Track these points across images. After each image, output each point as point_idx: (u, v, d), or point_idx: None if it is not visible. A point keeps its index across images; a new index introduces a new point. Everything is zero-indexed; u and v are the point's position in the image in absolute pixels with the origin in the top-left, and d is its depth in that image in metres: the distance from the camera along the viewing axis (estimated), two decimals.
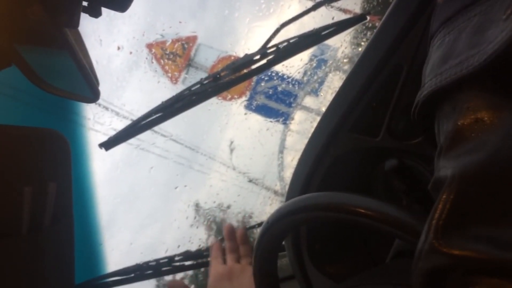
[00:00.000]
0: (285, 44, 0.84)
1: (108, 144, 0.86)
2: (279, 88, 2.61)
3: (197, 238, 2.40)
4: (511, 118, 0.17)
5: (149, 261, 0.98)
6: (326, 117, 0.60)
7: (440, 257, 0.17)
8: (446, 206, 0.18)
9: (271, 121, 2.62)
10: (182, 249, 1.05)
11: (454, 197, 0.18)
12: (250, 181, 2.65)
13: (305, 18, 0.95)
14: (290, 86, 2.63)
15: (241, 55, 0.92)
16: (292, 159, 2.66)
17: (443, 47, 0.22)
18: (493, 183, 0.17)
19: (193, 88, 0.88)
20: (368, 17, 0.91)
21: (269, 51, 0.83)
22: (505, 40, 0.18)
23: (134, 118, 0.90)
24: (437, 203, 0.18)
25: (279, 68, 2.31)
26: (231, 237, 0.71)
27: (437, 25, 0.23)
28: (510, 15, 0.18)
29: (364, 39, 2.08)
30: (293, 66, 2.34)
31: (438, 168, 0.20)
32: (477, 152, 0.18)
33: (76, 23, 0.32)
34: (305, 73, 2.53)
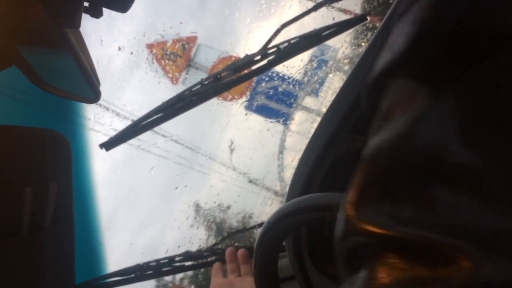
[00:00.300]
0: (285, 44, 0.84)
1: (108, 145, 0.86)
2: (280, 89, 2.61)
3: (198, 238, 2.41)
4: (425, 102, 0.19)
5: (150, 262, 0.99)
6: (327, 118, 0.60)
7: (354, 235, 0.18)
8: (356, 184, 0.19)
9: (271, 122, 2.62)
10: (182, 250, 1.05)
11: (362, 175, 0.19)
12: (250, 181, 2.65)
13: (306, 18, 0.95)
14: (291, 86, 2.63)
15: (242, 55, 0.92)
16: (292, 160, 2.67)
17: (395, 34, 0.23)
18: (397, 163, 0.18)
19: (193, 89, 0.88)
20: (369, 18, 0.91)
21: (269, 51, 0.83)
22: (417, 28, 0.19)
23: (135, 118, 0.90)
24: (352, 182, 0.20)
25: (279, 68, 2.31)
26: (232, 259, 0.72)
27: (394, 20, 0.25)
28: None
29: (364, 40, 2.09)
30: (294, 67, 2.34)
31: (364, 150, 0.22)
32: (387, 132, 0.19)
33: (78, 23, 0.32)
34: (305, 73, 2.53)
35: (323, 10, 0.99)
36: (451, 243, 0.15)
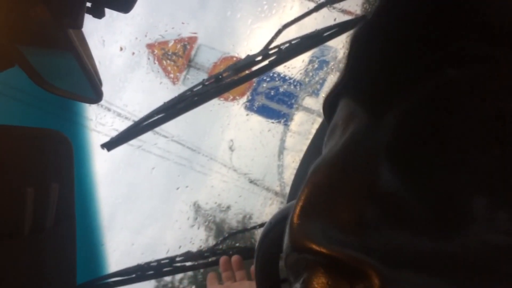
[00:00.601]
0: (286, 45, 0.84)
1: (110, 145, 0.86)
2: (281, 89, 2.61)
3: (198, 238, 2.41)
4: (360, 123, 0.20)
5: (150, 262, 0.99)
6: None
7: (294, 248, 0.20)
8: (299, 203, 0.21)
9: (272, 122, 2.62)
10: (183, 250, 1.05)
11: (304, 194, 0.21)
12: (251, 182, 2.65)
13: (307, 19, 0.95)
14: (292, 87, 2.63)
15: (243, 56, 0.92)
16: (293, 160, 2.66)
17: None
18: (330, 183, 0.20)
19: (195, 89, 0.88)
20: None
21: (270, 52, 0.84)
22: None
23: (136, 119, 0.90)
24: (296, 200, 0.21)
25: (280, 69, 2.31)
26: (226, 267, 0.74)
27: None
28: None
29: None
30: (295, 67, 2.34)
31: None
32: (326, 153, 0.21)
33: (80, 24, 0.32)
34: (306, 74, 2.53)
35: (324, 11, 0.99)
36: (366, 261, 0.17)
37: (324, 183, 0.20)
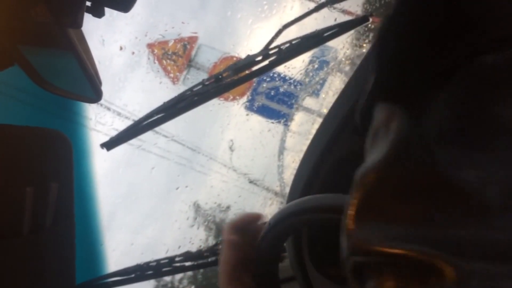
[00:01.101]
0: (287, 45, 0.84)
1: (109, 145, 0.86)
2: (281, 89, 2.61)
3: (198, 238, 2.41)
4: (403, 123, 0.20)
5: (150, 262, 0.98)
6: (329, 119, 0.60)
7: (353, 252, 0.19)
8: (353, 206, 0.20)
9: (272, 122, 2.62)
10: (182, 250, 1.04)
11: (356, 197, 0.20)
12: (250, 182, 2.65)
13: (307, 19, 0.95)
14: (292, 87, 2.63)
15: (243, 56, 0.92)
16: (293, 160, 2.67)
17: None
18: (384, 185, 0.19)
19: (195, 89, 0.88)
20: (371, 19, 0.90)
21: (271, 52, 0.83)
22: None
23: (136, 118, 0.90)
24: (349, 204, 0.21)
25: (280, 69, 2.32)
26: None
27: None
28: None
29: (366, 41, 2.08)
30: (295, 67, 2.34)
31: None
32: (371, 154, 0.21)
33: (80, 23, 0.32)
34: (306, 74, 2.53)
35: (324, 11, 0.99)
36: (438, 255, 0.16)
37: (378, 183, 0.20)
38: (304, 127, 2.74)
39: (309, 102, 2.73)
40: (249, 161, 2.67)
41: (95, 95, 0.45)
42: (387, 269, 0.17)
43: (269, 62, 0.82)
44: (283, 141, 2.74)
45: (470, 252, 0.16)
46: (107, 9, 0.34)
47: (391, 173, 0.19)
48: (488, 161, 0.17)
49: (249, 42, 2.36)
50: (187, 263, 1.00)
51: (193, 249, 1.05)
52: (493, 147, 0.17)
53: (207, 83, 0.87)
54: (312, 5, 0.97)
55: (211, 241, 2.50)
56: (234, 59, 2.37)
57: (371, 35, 1.96)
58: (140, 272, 0.95)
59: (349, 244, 0.19)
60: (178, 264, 0.98)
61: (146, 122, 0.85)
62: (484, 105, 0.18)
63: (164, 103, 0.89)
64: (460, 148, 0.18)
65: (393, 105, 0.22)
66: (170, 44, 2.59)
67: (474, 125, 0.18)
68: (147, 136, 2.10)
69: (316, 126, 0.61)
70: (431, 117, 0.20)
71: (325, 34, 0.83)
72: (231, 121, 2.55)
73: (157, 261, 0.98)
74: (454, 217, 0.17)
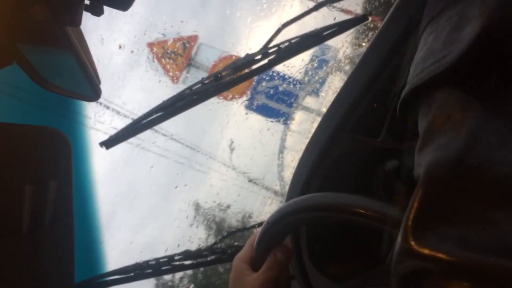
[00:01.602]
0: (286, 44, 0.84)
1: (108, 143, 0.86)
2: (280, 88, 2.61)
3: (197, 237, 2.41)
4: (479, 117, 0.18)
5: (149, 260, 0.99)
6: (327, 118, 0.60)
7: (411, 258, 0.17)
8: (416, 206, 0.18)
9: (271, 121, 2.62)
10: (182, 249, 1.05)
11: (421, 196, 0.18)
12: (250, 181, 2.65)
13: (307, 18, 0.95)
14: (291, 86, 2.63)
15: (242, 55, 0.92)
16: (292, 159, 2.66)
17: (426, 46, 0.22)
18: (459, 183, 0.17)
19: (194, 88, 0.88)
20: (370, 18, 0.90)
21: (270, 51, 0.83)
22: (473, 37, 0.18)
23: (135, 117, 0.90)
24: (410, 203, 0.18)
25: (280, 68, 2.31)
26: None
27: (424, 24, 0.24)
28: (484, 12, 0.18)
29: (365, 40, 2.08)
30: (294, 66, 2.34)
31: (416, 166, 0.20)
32: (444, 149, 0.18)
33: (78, 21, 0.32)
34: (306, 73, 2.53)
35: (324, 10, 0.99)
36: None
37: (449, 186, 0.17)
38: (303, 126, 2.74)
39: (308, 101, 2.72)
40: (248, 160, 2.67)
41: (94, 94, 0.45)
42: (458, 279, 0.15)
43: (269, 61, 0.82)
44: (282, 140, 2.74)
45: None
46: (106, 8, 0.34)
47: (464, 172, 0.17)
48: None
49: (249, 41, 2.36)
50: (187, 262, 1.00)
51: (193, 248, 1.06)
52: None
53: (206, 82, 0.87)
54: (311, 4, 0.97)
55: (211, 240, 2.50)
56: (233, 58, 2.37)
57: (370, 34, 1.96)
58: (139, 270, 0.96)
59: (410, 246, 0.16)
60: (177, 263, 0.98)
61: (145, 121, 0.85)
62: None
63: (163, 102, 0.89)
64: None
65: (469, 94, 0.18)
66: (170, 43, 2.59)
67: None
68: (146, 134, 2.10)
69: (316, 125, 0.61)
70: (507, 112, 0.17)
71: (325, 33, 0.83)
72: (231, 120, 2.54)
73: (157, 259, 0.99)
74: None
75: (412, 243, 0.17)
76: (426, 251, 0.16)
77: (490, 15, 0.18)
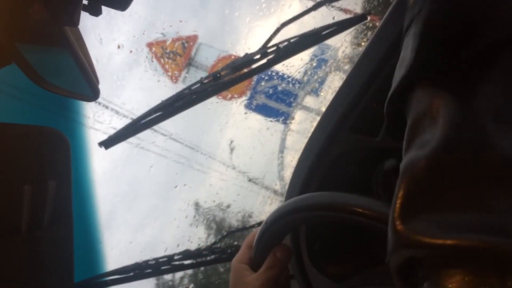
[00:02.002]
0: (285, 43, 0.84)
1: (108, 143, 0.86)
2: (279, 88, 2.61)
3: (197, 237, 2.41)
4: (451, 108, 0.18)
5: (149, 260, 0.99)
6: (326, 117, 0.60)
7: (400, 248, 0.17)
8: (398, 198, 0.18)
9: (271, 121, 2.62)
10: (181, 248, 1.05)
11: (404, 188, 0.18)
12: (250, 180, 2.65)
13: (306, 17, 0.95)
14: (290, 85, 2.63)
15: (242, 54, 0.92)
16: (292, 159, 2.66)
17: (403, 49, 0.23)
18: (438, 173, 0.17)
19: (193, 87, 0.88)
20: (369, 17, 0.91)
21: (269, 50, 0.83)
22: (418, 39, 0.19)
23: (134, 117, 0.90)
24: (393, 199, 0.19)
25: (279, 67, 2.31)
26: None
27: (405, 28, 0.25)
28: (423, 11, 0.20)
29: (364, 39, 2.08)
30: (294, 66, 2.34)
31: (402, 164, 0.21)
32: (424, 145, 0.19)
33: (76, 21, 0.32)
34: (305, 72, 2.53)
35: (323, 9, 0.99)
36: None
37: (429, 171, 0.18)
38: (303, 125, 2.74)
39: (308, 100, 2.73)
40: (248, 159, 2.67)
41: (92, 94, 0.45)
42: (452, 262, 0.15)
43: (268, 60, 0.82)
44: (282, 139, 2.74)
45: None
46: (104, 8, 0.34)
47: (444, 159, 0.17)
48: None
49: (248, 41, 2.35)
50: (186, 262, 1.00)
51: (192, 247, 1.06)
52: None
53: (205, 81, 0.87)
54: (310, 4, 0.97)
55: (210, 240, 2.50)
56: (233, 57, 2.37)
57: (369, 33, 1.96)
58: (139, 270, 0.96)
59: (398, 236, 0.17)
60: (177, 263, 0.98)
61: (144, 121, 0.85)
62: None
63: (163, 102, 0.89)
64: None
65: (437, 89, 0.19)
66: (169, 42, 2.59)
67: None
68: (146, 134, 2.10)
69: (315, 124, 0.61)
70: (484, 97, 0.17)
71: (324, 33, 0.83)
72: (230, 120, 2.54)
73: (156, 259, 0.99)
74: None
75: (399, 232, 0.17)
76: (415, 238, 0.16)
77: (429, 13, 0.19)
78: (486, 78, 0.18)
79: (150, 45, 2.45)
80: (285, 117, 2.72)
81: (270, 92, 2.60)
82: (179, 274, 2.45)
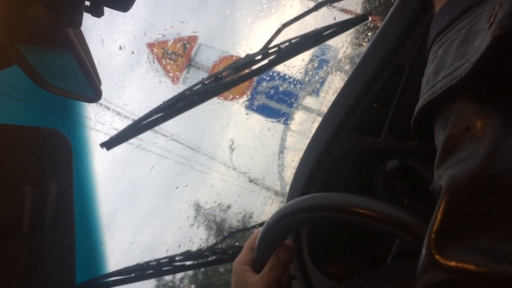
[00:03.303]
0: (286, 44, 0.84)
1: (109, 144, 0.86)
2: (280, 88, 2.61)
3: (198, 238, 2.41)
4: (499, 126, 0.17)
5: (150, 261, 0.99)
6: (328, 118, 0.60)
7: (437, 271, 0.16)
8: (439, 218, 0.17)
9: (272, 121, 2.62)
10: (182, 249, 1.05)
11: (445, 208, 0.17)
12: (250, 181, 2.65)
13: (307, 18, 0.95)
14: (291, 86, 2.63)
15: (243, 55, 0.92)
16: (293, 160, 2.66)
17: (436, 60, 0.22)
18: (483, 194, 0.16)
19: (194, 88, 0.88)
20: (370, 18, 0.91)
21: (270, 51, 0.83)
22: (485, 48, 0.18)
23: (135, 118, 0.91)
24: (433, 216, 0.18)
25: (280, 68, 2.31)
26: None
27: (432, 38, 0.24)
28: (493, 23, 0.18)
29: (365, 40, 2.08)
30: (295, 66, 2.34)
31: (435, 179, 0.20)
32: (466, 162, 0.18)
33: (79, 23, 0.32)
34: (306, 73, 2.53)
35: (324, 9, 0.99)
36: None
37: (471, 193, 0.16)
38: (304, 126, 2.74)
39: (309, 101, 2.73)
40: (249, 160, 2.67)
41: (94, 95, 0.45)
42: None
43: (269, 61, 0.82)
44: (283, 140, 2.74)
45: None
46: (106, 9, 0.34)
47: (488, 182, 0.16)
48: None
49: (249, 41, 2.36)
50: (187, 263, 1.00)
51: (193, 248, 1.06)
52: None
53: (206, 82, 0.87)
54: (311, 4, 0.97)
55: (212, 240, 2.50)
56: (234, 58, 2.37)
57: (370, 34, 1.96)
58: (140, 271, 0.96)
59: (431, 259, 0.16)
60: (178, 264, 0.98)
61: (145, 122, 0.86)
62: None
63: (164, 103, 0.89)
64: None
65: (483, 106, 0.18)
66: (170, 43, 2.59)
67: None
68: (147, 135, 2.10)
69: (316, 125, 0.61)
70: None
71: (325, 33, 0.83)
72: (231, 120, 2.55)
73: (157, 260, 0.99)
74: None
75: (436, 255, 0.16)
76: (452, 263, 0.16)
77: (500, 25, 0.18)
78: None
79: (151, 46, 2.45)
80: (286, 118, 2.72)
81: (271, 93, 2.60)
82: (179, 275, 2.45)
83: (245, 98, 2.56)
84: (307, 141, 0.63)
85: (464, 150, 0.18)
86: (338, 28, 0.83)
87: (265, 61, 0.83)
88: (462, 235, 0.16)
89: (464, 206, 0.17)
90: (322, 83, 2.62)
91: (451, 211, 0.17)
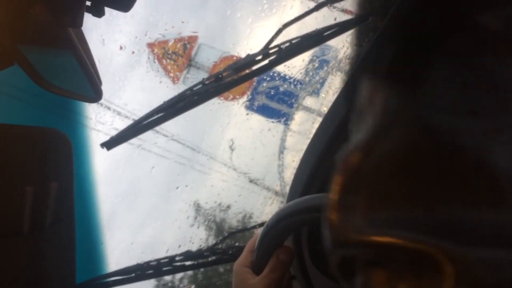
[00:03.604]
0: (287, 44, 0.84)
1: (109, 144, 0.86)
2: (281, 89, 2.61)
3: (198, 238, 2.41)
4: (382, 97, 0.18)
5: (150, 261, 0.99)
6: (328, 118, 0.60)
7: (337, 247, 0.17)
8: (333, 193, 0.18)
9: (272, 122, 2.62)
10: (183, 249, 1.05)
11: (338, 180, 0.18)
12: (251, 181, 2.65)
13: (307, 18, 0.95)
14: (292, 86, 2.63)
15: (243, 55, 0.92)
16: (293, 160, 2.66)
17: None
18: (364, 163, 0.17)
19: (195, 88, 0.88)
20: (370, 18, 0.91)
21: (271, 51, 0.83)
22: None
23: (136, 118, 0.91)
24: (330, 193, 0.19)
25: (280, 68, 2.31)
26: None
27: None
28: None
29: (366, 40, 2.08)
30: (295, 67, 2.34)
31: None
32: (355, 133, 0.19)
33: (80, 23, 0.32)
34: (306, 73, 2.53)
35: (324, 10, 0.99)
36: (432, 243, 0.13)
37: (363, 162, 0.17)
38: (304, 126, 2.74)
39: (309, 101, 2.73)
40: (249, 160, 2.67)
41: (95, 95, 0.45)
42: (376, 262, 0.15)
43: (269, 61, 0.82)
44: (283, 140, 2.74)
45: (476, 238, 0.13)
46: (107, 9, 0.34)
47: (378, 148, 0.17)
48: (497, 128, 0.14)
49: (249, 41, 2.36)
50: (188, 263, 1.00)
51: (194, 248, 1.06)
52: (502, 113, 0.15)
53: (207, 82, 0.87)
54: (312, 4, 0.97)
55: (212, 241, 2.50)
56: (234, 58, 2.37)
57: (371, 34, 1.96)
58: (140, 271, 0.96)
59: (332, 235, 0.17)
60: (178, 264, 0.98)
61: (146, 122, 0.86)
62: (487, 68, 0.15)
63: (164, 103, 0.89)
64: (464, 116, 0.15)
65: (379, 80, 0.20)
66: (170, 43, 2.59)
67: (477, 91, 0.15)
68: (147, 135, 2.10)
69: (316, 125, 0.61)
70: (427, 88, 0.17)
71: (325, 33, 0.83)
72: (231, 121, 2.55)
73: (157, 260, 0.99)
74: (457, 196, 0.14)
75: (337, 230, 0.17)
76: (347, 234, 0.16)
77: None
78: (436, 67, 0.17)
79: (152, 46, 2.45)
80: (287, 118, 2.73)
81: (272, 93, 2.60)
82: (179, 275, 2.46)
83: (245, 98, 2.57)
84: (307, 141, 0.63)
85: (359, 125, 0.19)
86: (339, 29, 0.83)
87: (266, 62, 0.83)
88: (352, 207, 0.17)
89: (352, 178, 0.18)
90: (322, 84, 2.62)
91: (341, 185, 0.18)
